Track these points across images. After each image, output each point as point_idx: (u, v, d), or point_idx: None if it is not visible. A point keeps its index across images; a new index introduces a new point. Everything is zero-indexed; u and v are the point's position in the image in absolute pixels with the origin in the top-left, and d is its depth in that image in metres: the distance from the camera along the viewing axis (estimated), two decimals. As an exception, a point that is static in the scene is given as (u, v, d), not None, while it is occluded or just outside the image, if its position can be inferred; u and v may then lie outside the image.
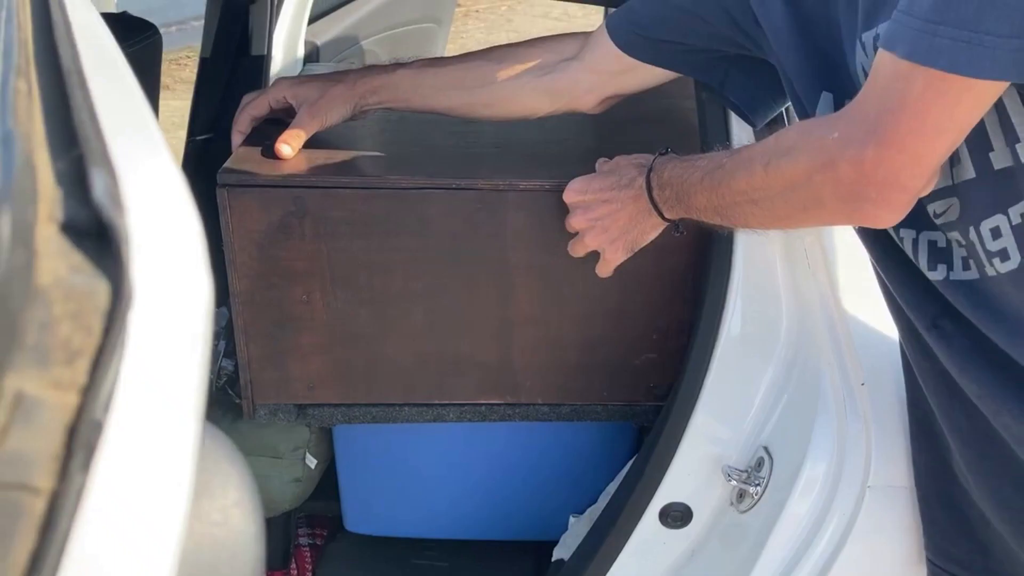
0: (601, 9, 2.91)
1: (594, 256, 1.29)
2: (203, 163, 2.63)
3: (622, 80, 1.22)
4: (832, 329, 1.11)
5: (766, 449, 1.21)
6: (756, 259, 1.20)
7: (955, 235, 0.89)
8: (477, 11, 6.77)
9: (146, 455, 0.34)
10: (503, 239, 1.29)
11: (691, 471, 1.25)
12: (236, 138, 1.35)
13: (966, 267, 0.89)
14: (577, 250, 1.23)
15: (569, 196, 1.19)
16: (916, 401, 1.05)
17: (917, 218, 0.89)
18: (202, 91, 2.59)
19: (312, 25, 2.72)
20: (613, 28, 1.18)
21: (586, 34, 1.27)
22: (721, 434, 1.25)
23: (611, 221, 1.15)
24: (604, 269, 1.22)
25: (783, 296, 1.18)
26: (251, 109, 1.35)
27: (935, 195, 0.88)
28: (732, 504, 1.24)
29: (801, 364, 1.18)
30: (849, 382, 1.10)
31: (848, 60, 0.90)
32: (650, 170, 1.09)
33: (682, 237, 1.28)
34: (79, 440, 0.31)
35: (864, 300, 1.12)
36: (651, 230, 1.15)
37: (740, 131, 1.22)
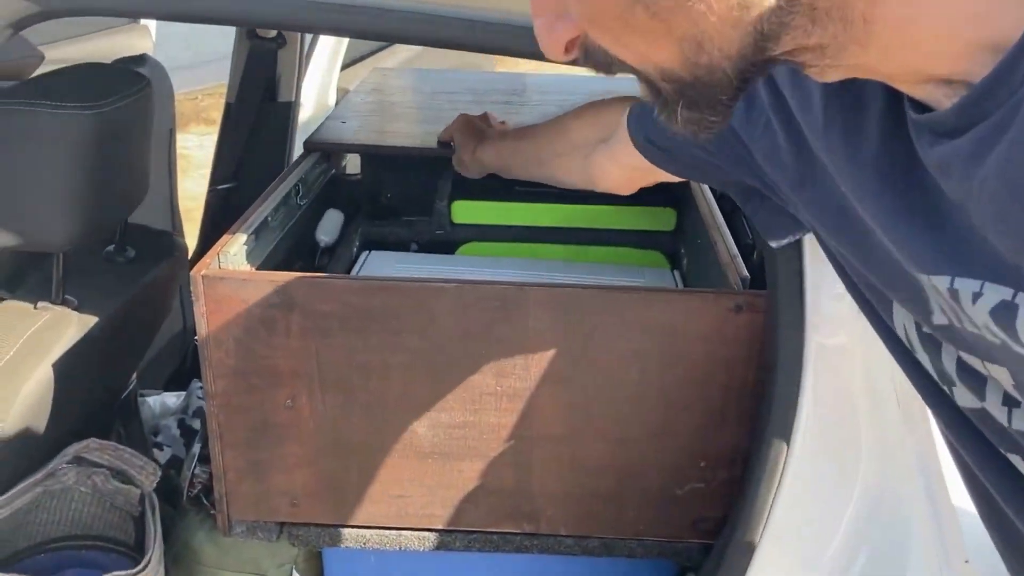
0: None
1: (633, 368, 1.09)
2: (224, 215, 2.49)
3: (652, 175, 1.05)
4: (929, 490, 0.88)
5: (837, 621, 0.98)
6: (831, 385, 0.98)
7: None
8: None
9: None
10: (523, 343, 1.08)
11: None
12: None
13: None
14: None
15: None
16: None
17: None
18: (226, 137, 2.45)
19: (345, 71, 2.56)
20: (631, 120, 1.02)
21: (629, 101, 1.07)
22: (781, 593, 1.02)
23: None
24: None
25: (863, 437, 0.96)
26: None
27: None
28: None
29: (884, 524, 0.95)
30: (949, 558, 0.87)
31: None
32: None
33: (739, 352, 1.07)
34: None
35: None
36: None
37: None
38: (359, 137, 1.60)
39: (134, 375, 1.70)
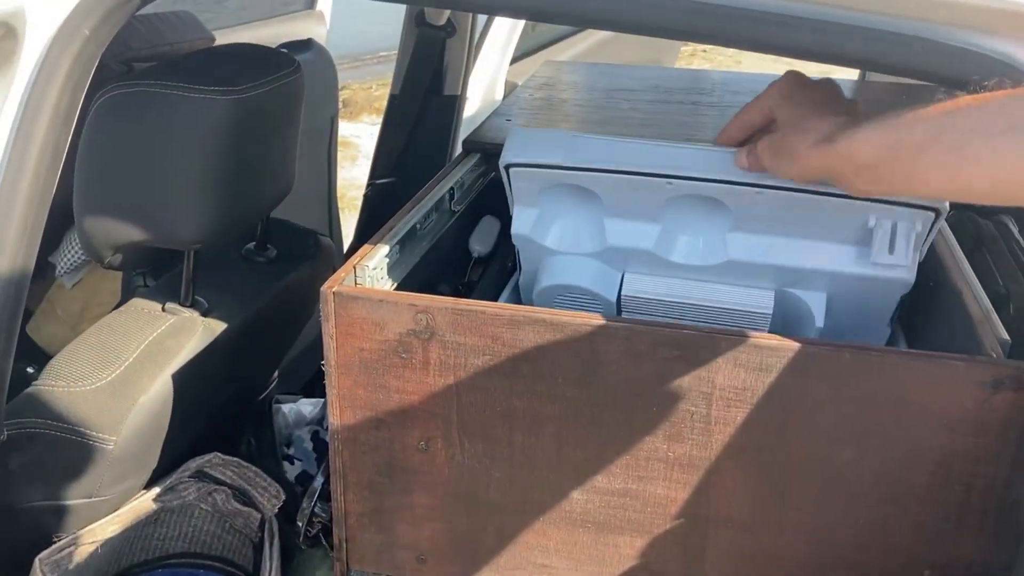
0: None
1: (846, 447, 0.86)
2: (382, 212, 2.39)
3: None
4: None
5: None
6: None
7: None
8: (704, 51, 6.32)
9: None
10: (706, 403, 0.88)
11: None
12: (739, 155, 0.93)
13: None
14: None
15: None
16: None
17: None
18: (388, 130, 2.34)
19: (515, 64, 2.41)
20: None
21: None
22: None
23: None
24: None
25: None
26: (746, 116, 0.91)
27: None
28: None
29: None
30: None
31: None
32: None
33: (991, 442, 0.82)
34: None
35: None
36: None
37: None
38: None
39: (272, 378, 1.60)
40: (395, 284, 1.07)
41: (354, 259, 1.00)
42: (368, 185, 2.40)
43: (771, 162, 0.86)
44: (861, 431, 0.85)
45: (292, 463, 1.54)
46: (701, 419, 0.88)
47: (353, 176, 5.13)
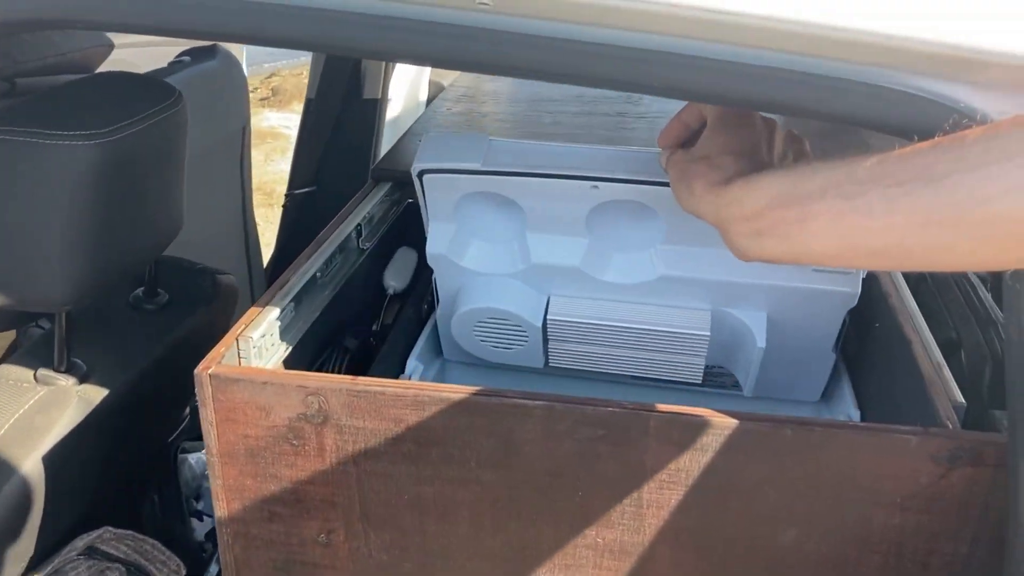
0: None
1: (788, 530, 0.78)
2: (301, 222, 2.26)
3: None
4: None
5: None
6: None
7: None
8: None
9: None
10: (636, 485, 0.78)
11: None
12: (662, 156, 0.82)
13: None
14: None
15: None
16: None
17: None
18: (305, 137, 2.21)
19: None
20: None
21: None
22: None
23: None
24: None
25: None
26: (685, 115, 0.80)
27: None
28: None
29: None
30: None
31: None
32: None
33: (948, 522, 0.74)
34: None
35: None
36: None
37: None
38: None
39: (183, 416, 1.47)
40: (289, 348, 0.96)
41: (237, 328, 0.88)
42: (286, 195, 2.27)
43: (673, 185, 0.76)
44: (805, 511, 0.77)
45: (201, 519, 1.42)
46: (632, 502, 0.79)
47: (283, 169, 4.94)
